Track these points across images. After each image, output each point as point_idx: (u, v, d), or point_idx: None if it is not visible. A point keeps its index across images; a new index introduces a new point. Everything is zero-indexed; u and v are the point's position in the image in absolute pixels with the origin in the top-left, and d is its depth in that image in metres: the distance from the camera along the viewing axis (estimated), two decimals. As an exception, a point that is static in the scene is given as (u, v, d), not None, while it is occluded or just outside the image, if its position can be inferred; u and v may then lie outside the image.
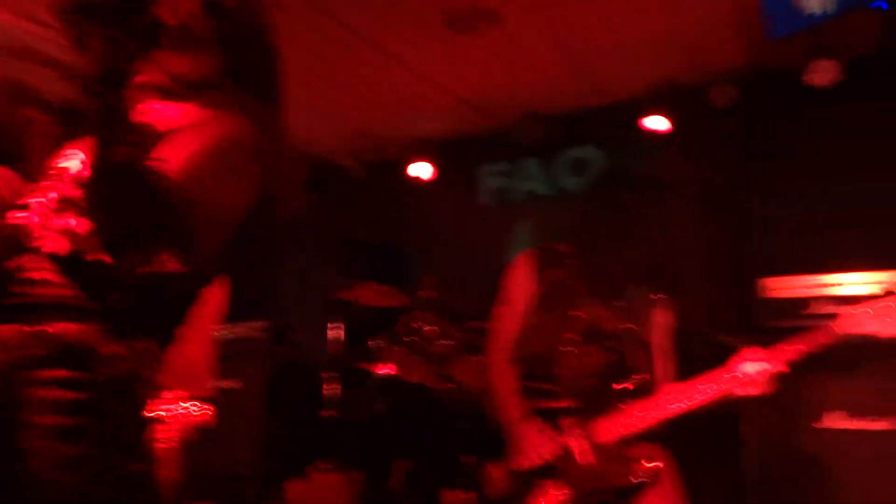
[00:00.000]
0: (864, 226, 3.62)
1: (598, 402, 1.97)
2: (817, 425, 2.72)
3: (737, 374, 1.82)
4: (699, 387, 1.86)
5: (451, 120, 5.01)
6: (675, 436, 1.99)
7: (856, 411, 2.67)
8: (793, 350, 1.80)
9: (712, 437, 3.46)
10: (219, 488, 3.72)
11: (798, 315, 2.90)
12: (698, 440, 3.45)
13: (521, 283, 2.14)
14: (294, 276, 5.77)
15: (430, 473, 3.51)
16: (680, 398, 1.87)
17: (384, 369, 3.92)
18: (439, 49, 4.07)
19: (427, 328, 3.71)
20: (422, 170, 5.22)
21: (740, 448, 2.88)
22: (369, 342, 3.87)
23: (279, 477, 3.63)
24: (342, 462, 3.69)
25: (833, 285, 2.90)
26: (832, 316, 1.77)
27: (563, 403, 2.01)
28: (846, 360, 2.66)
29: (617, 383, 1.99)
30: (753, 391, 1.83)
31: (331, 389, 3.94)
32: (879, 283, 2.82)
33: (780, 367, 1.80)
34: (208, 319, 1.51)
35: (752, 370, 1.81)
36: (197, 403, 1.50)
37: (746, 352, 1.84)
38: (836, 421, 2.70)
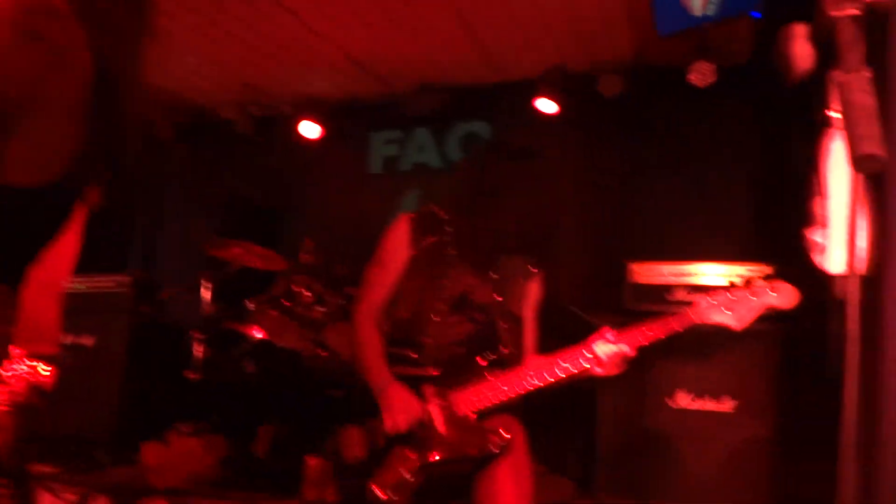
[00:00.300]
0: (725, 220, 3.90)
1: (460, 372, 1.98)
2: (670, 404, 2.92)
3: (593, 354, 1.89)
4: (559, 363, 1.90)
5: (344, 81, 4.89)
6: (532, 409, 2.06)
7: (703, 393, 2.90)
8: (647, 335, 1.87)
9: (569, 411, 3.68)
10: (67, 450, 3.56)
11: (661, 300, 3.07)
12: (556, 413, 3.64)
13: (396, 246, 2.11)
14: (168, 231, 5.54)
15: (296, 440, 3.46)
16: (540, 373, 1.91)
17: (256, 332, 3.83)
18: (336, 6, 3.95)
19: (304, 293, 3.64)
20: (310, 129, 5.07)
21: (595, 422, 3.07)
22: (243, 304, 3.76)
23: (134, 439, 3.49)
24: (204, 425, 3.59)
25: (693, 275, 3.05)
26: (688, 304, 1.88)
27: (426, 371, 2.01)
28: (699, 345, 2.88)
29: (481, 355, 2.00)
30: (607, 371, 1.90)
31: (199, 350, 3.81)
32: (735, 275, 2.99)
33: (632, 352, 1.88)
34: (59, 265, 1.37)
35: (606, 351, 1.88)
36: (41, 362, 1.37)
37: (603, 332, 1.90)
38: (685, 401, 2.91)
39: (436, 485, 1.94)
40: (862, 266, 1.68)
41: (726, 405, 2.88)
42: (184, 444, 3.39)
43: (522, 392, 1.91)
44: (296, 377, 3.77)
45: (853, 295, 1.22)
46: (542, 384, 1.89)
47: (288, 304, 3.64)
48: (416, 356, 2.03)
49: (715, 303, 1.85)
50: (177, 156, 5.42)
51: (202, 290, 3.94)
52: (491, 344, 2.02)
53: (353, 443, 1.99)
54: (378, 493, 1.90)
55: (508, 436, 1.89)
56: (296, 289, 3.66)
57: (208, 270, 3.95)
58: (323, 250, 3.85)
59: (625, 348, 1.87)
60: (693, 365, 2.92)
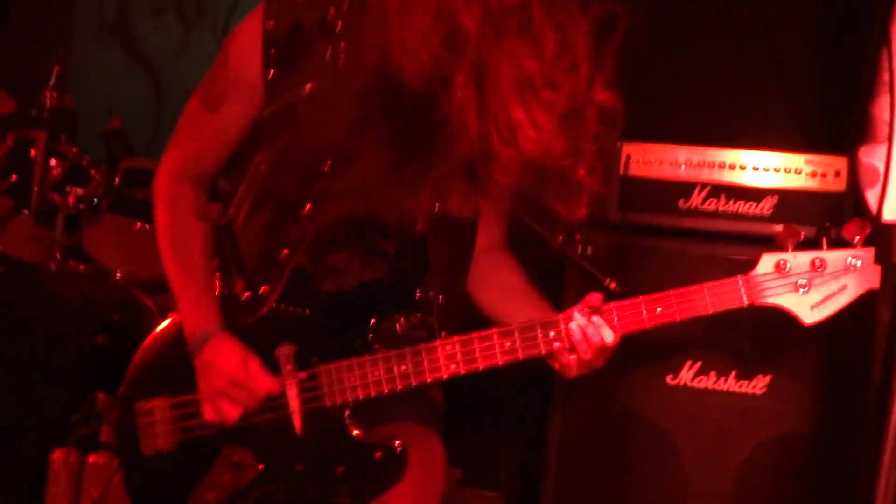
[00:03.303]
0: (785, 89, 3.68)
1: (339, 330, 1.91)
2: (671, 382, 2.84)
3: (558, 336, 1.82)
4: (503, 342, 1.82)
5: None
6: (456, 400, 2.10)
7: (725, 368, 2.83)
8: (651, 317, 1.76)
9: (506, 383, 3.68)
10: None
11: (670, 208, 2.79)
12: (482, 385, 3.70)
13: (241, 60, 1.93)
14: None
15: (32, 420, 3.25)
16: (469, 353, 1.83)
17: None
18: None
19: (51, 162, 3.49)
20: None
21: (547, 404, 2.95)
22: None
23: None
24: None
25: (727, 166, 2.80)
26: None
27: (282, 320, 1.92)
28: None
29: (383, 306, 1.94)
30: (582, 368, 1.84)
31: None
32: (795, 170, 2.74)
33: (615, 341, 1.80)
34: None
35: (584, 333, 1.79)
36: None
37: (589, 299, 1.84)
38: (694, 379, 2.85)
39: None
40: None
41: (757, 385, 2.78)
42: None
43: (433, 379, 1.85)
44: (34, 311, 3.52)
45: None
46: (463, 371, 1.83)
47: (17, 179, 3.53)
48: (265, 288, 1.94)
49: (789, 271, 1.71)
50: None
51: None
52: (404, 289, 1.97)
53: (153, 425, 1.95)
54: None
55: (399, 450, 1.85)
56: (33, 152, 3.51)
57: None
58: (90, 80, 3.81)
59: (609, 336, 1.78)
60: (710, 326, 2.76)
